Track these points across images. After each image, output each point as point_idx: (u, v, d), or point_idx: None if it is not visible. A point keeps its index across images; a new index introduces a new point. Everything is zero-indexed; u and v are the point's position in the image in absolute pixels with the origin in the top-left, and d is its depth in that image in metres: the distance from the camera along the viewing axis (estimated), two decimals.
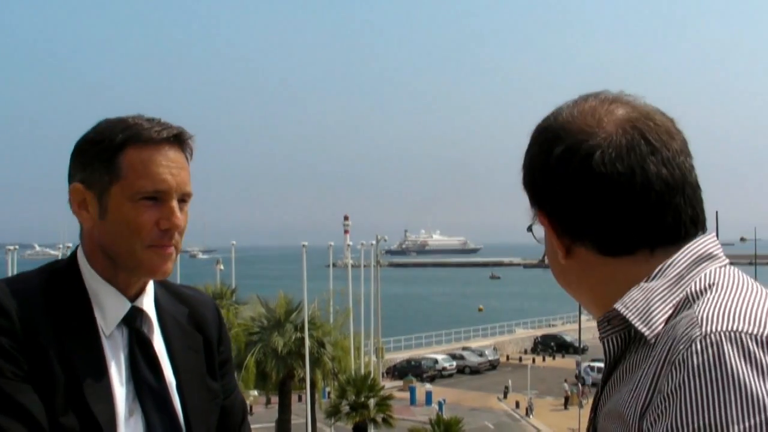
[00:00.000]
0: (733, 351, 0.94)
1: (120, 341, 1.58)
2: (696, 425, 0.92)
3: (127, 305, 1.60)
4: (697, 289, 1.06)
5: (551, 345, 58.13)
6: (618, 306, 1.09)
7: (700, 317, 0.99)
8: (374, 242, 40.03)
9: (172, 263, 1.59)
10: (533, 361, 52.56)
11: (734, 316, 0.98)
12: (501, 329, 63.47)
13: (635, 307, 1.07)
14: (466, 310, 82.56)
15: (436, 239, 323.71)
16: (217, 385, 1.76)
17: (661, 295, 1.07)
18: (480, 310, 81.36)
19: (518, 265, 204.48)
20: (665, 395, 0.96)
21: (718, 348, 0.94)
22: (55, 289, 1.55)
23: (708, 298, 1.03)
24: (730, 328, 0.96)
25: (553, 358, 56.07)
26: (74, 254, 1.62)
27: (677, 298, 1.06)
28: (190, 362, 1.69)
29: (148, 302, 1.65)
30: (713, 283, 1.06)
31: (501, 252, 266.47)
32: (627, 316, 1.07)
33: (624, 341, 1.10)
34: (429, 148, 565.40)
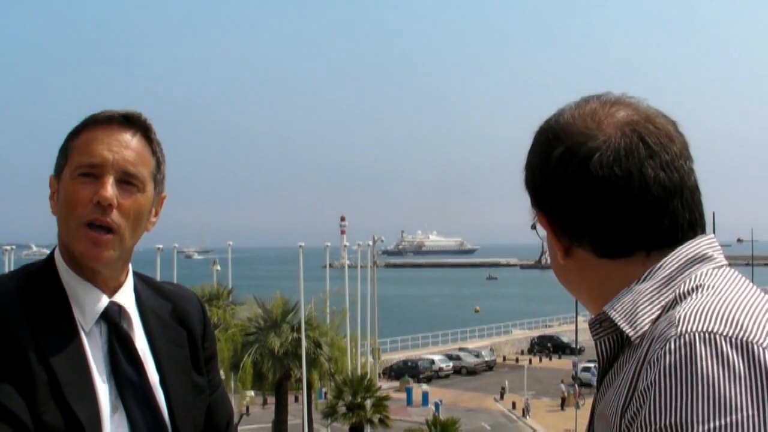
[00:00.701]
0: (705, 351, 0.94)
1: (99, 338, 1.57)
2: (663, 423, 0.92)
3: (105, 300, 1.58)
4: (685, 290, 1.06)
5: (548, 346, 58.17)
6: (606, 308, 1.10)
7: (677, 317, 1.00)
8: (371, 243, 40.00)
9: (107, 250, 1.53)
10: (530, 362, 52.50)
11: (712, 317, 0.98)
12: (498, 330, 63.48)
13: (622, 308, 1.08)
14: (462, 310, 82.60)
15: (433, 240, 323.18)
16: (204, 380, 1.74)
17: (649, 296, 1.07)
18: (477, 311, 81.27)
19: (515, 265, 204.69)
20: (639, 393, 0.97)
21: (690, 347, 0.94)
22: (32, 288, 1.54)
23: (691, 299, 1.03)
24: (704, 329, 0.96)
25: (550, 359, 56.14)
26: (52, 252, 1.62)
27: (666, 300, 1.06)
28: (174, 357, 1.67)
29: (127, 298, 1.64)
30: (701, 285, 1.06)
31: (498, 253, 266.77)
32: (613, 318, 1.08)
33: (617, 343, 1.11)
34: (425, 150, 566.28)
